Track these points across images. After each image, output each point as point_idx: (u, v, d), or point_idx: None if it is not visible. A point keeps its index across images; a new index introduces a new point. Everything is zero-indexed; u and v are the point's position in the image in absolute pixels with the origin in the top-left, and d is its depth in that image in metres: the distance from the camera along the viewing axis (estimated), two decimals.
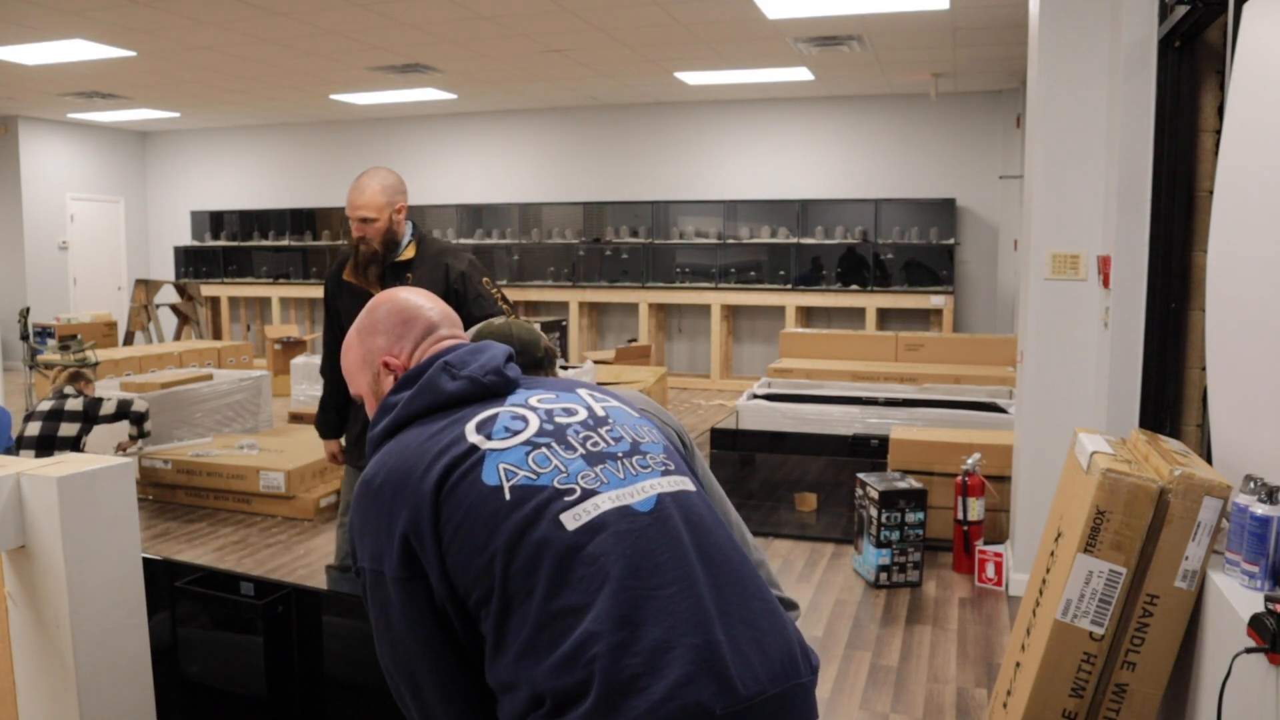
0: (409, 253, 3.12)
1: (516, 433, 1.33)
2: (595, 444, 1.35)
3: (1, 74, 8.40)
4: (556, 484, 1.27)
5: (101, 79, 8.75)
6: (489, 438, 1.32)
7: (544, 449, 1.31)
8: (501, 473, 1.27)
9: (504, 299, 3.18)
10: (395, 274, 3.08)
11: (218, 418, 6.50)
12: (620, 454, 1.35)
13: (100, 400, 5.01)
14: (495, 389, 1.40)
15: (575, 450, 1.32)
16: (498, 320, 1.95)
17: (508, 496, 1.25)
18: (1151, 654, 2.02)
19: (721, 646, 1.20)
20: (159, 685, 1.90)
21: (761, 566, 1.70)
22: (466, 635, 1.29)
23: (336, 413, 3.30)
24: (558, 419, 1.37)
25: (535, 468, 1.29)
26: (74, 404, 4.93)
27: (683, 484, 1.37)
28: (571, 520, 1.24)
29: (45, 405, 4.90)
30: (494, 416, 1.35)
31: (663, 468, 1.37)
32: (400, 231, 3.10)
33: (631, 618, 1.19)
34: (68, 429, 4.86)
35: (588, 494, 1.27)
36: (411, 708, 1.35)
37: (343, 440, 3.33)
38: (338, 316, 3.22)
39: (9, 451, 4.73)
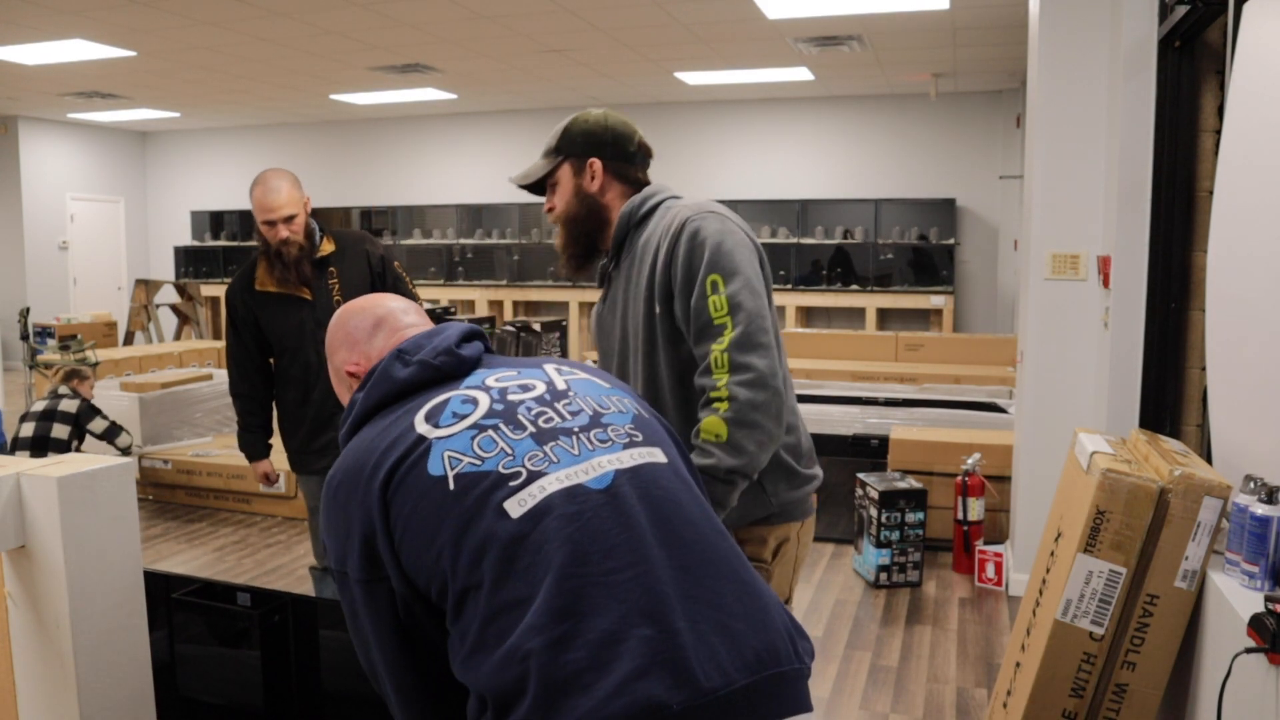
0: (328, 247, 3.04)
1: (464, 417, 1.28)
2: (548, 420, 1.28)
3: (1, 74, 8.40)
4: (501, 468, 1.21)
5: (101, 79, 8.75)
6: (436, 425, 1.27)
7: (490, 432, 1.25)
8: (446, 461, 1.22)
9: (410, 282, 3.21)
10: (320, 270, 3.01)
11: (218, 418, 6.49)
12: (576, 428, 1.28)
13: (95, 411, 4.98)
14: (448, 370, 1.36)
15: (524, 429, 1.26)
16: (595, 111, 1.96)
17: (451, 486, 1.20)
18: (1151, 654, 2.02)
19: (681, 635, 1.10)
20: (157, 701, 1.90)
21: None
22: (438, 634, 1.24)
23: (261, 431, 3.16)
24: (510, 396, 1.31)
25: (480, 453, 1.23)
26: (68, 405, 4.91)
27: (650, 455, 1.29)
28: (516, 506, 1.18)
29: (39, 406, 4.89)
30: (444, 403, 1.31)
31: (626, 439, 1.29)
32: (312, 228, 3.03)
33: (574, 608, 1.11)
34: (60, 430, 4.84)
35: (534, 476, 1.21)
36: (390, 703, 1.33)
37: (280, 455, 3.21)
38: (253, 329, 3.06)
39: (2, 450, 4.72)
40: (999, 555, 4.21)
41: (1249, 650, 1.60)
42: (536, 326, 7.76)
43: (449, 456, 1.23)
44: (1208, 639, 1.92)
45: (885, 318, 9.78)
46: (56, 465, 1.73)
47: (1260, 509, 1.75)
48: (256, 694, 2.30)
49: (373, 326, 1.49)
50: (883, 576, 4.21)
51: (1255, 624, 1.59)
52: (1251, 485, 1.80)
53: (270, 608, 2.30)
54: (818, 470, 1.92)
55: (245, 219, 12.12)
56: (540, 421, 1.28)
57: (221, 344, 8.51)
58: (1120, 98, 3.45)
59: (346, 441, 1.37)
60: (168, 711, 2.28)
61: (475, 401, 1.30)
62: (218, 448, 5.81)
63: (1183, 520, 1.95)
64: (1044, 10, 3.76)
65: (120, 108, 10.48)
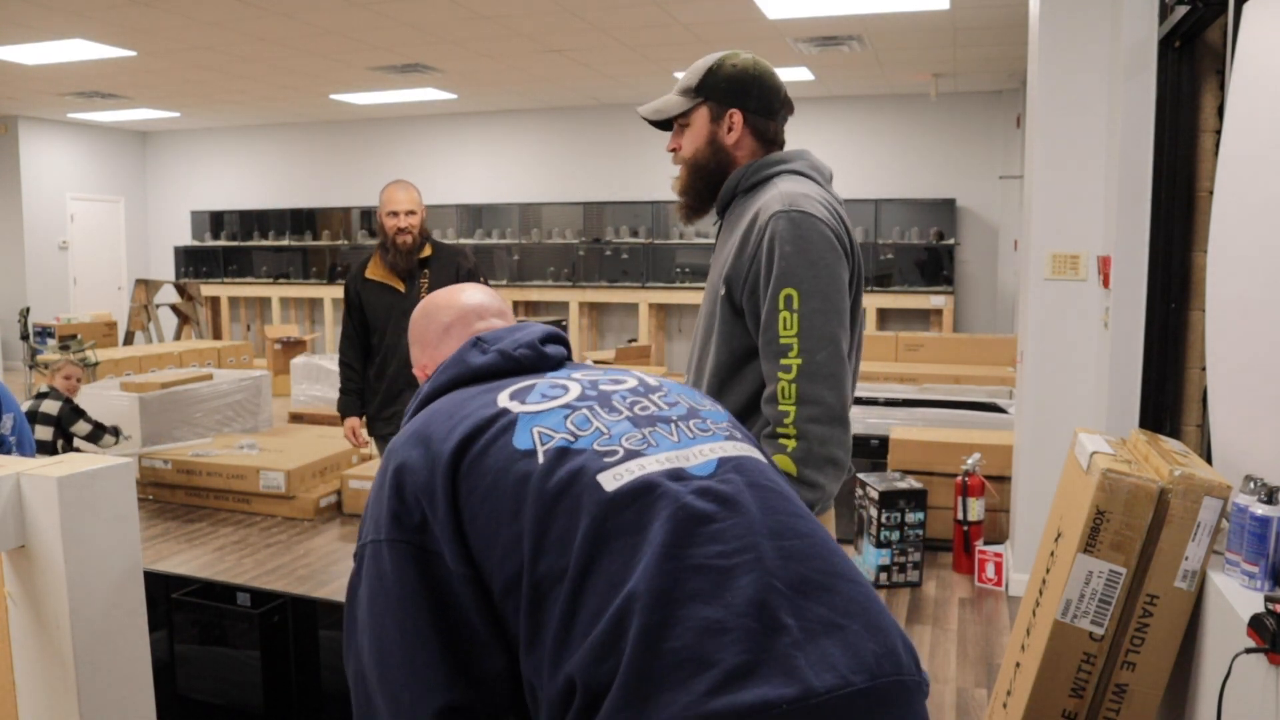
0: (428, 251, 3.61)
1: (554, 398, 1.19)
2: (644, 408, 1.19)
3: (1, 74, 8.40)
4: (596, 446, 1.11)
5: (101, 79, 8.75)
6: (523, 402, 1.18)
7: (584, 411, 1.16)
8: (536, 436, 1.12)
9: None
10: (418, 267, 3.56)
11: (218, 418, 6.50)
12: (675, 417, 1.18)
13: (78, 414, 4.95)
14: (528, 364, 1.28)
15: (620, 413, 1.17)
16: (744, 55, 1.82)
17: (540, 460, 1.09)
18: (1151, 654, 2.02)
19: (790, 630, 0.98)
20: (157, 701, 1.90)
21: None
22: (480, 620, 1.08)
23: (355, 396, 3.69)
24: (602, 386, 1.23)
25: (574, 430, 1.13)
26: (49, 406, 4.88)
27: (748, 450, 1.18)
28: (611, 480, 1.07)
29: (24, 407, 4.88)
30: (530, 386, 1.22)
31: (726, 433, 1.19)
32: (425, 230, 3.61)
33: (675, 592, 0.98)
34: (43, 432, 4.81)
35: (631, 455, 1.10)
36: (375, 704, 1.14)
37: (363, 417, 3.71)
38: (360, 311, 3.62)
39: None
40: (999, 555, 4.21)
41: (1249, 650, 1.60)
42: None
43: (539, 432, 1.12)
44: (1208, 639, 1.92)
45: (885, 318, 9.78)
46: (56, 465, 1.73)
47: (1260, 509, 1.75)
48: (256, 694, 2.30)
49: (444, 329, 1.43)
50: (883, 576, 4.21)
51: (1255, 624, 1.59)
52: (1251, 485, 1.80)
53: (270, 608, 2.30)
54: (851, 465, 1.85)
55: (245, 219, 12.13)
56: (636, 409, 1.18)
57: (221, 344, 8.54)
58: (1120, 98, 3.45)
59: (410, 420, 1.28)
60: (168, 711, 2.28)
61: (565, 387, 1.21)
62: (218, 448, 5.81)
63: (1183, 520, 1.95)
64: (1044, 10, 3.76)
65: (120, 108, 10.48)
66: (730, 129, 1.84)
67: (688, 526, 1.03)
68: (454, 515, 1.09)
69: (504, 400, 1.19)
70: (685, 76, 1.88)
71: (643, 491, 1.06)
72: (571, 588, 1.02)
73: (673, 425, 1.17)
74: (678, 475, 1.09)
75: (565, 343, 1.38)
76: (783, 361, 1.64)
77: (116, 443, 5.16)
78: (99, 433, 5.03)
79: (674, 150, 1.90)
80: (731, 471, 1.12)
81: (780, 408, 1.63)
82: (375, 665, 1.12)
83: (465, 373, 1.28)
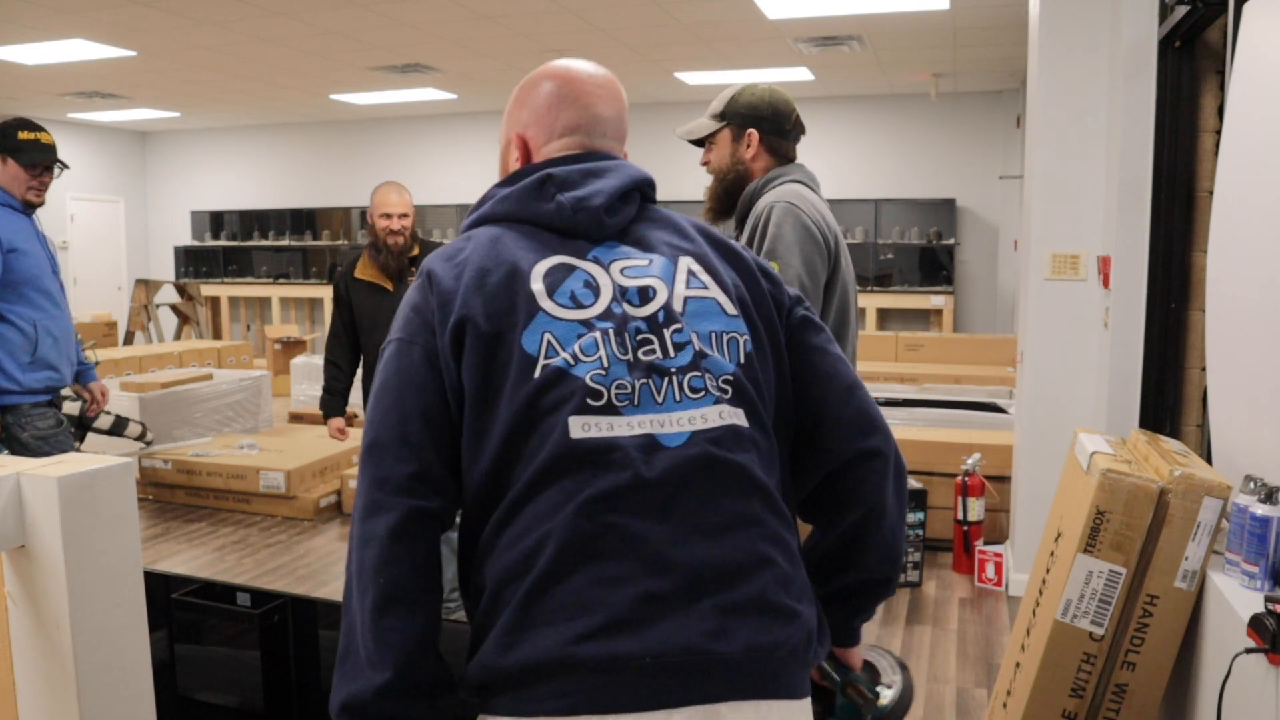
0: (415, 251, 3.63)
1: (580, 305, 1.19)
2: (649, 351, 1.19)
3: (1, 74, 8.40)
4: (589, 379, 1.15)
5: (101, 79, 8.74)
6: (550, 294, 1.19)
7: (596, 334, 1.18)
8: (544, 344, 1.16)
9: None
10: (406, 268, 3.60)
11: (218, 418, 6.50)
12: (673, 369, 1.18)
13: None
14: (583, 229, 1.25)
15: (626, 351, 1.18)
16: (761, 86, 2.25)
17: (536, 374, 1.15)
18: (1151, 654, 2.02)
19: (668, 601, 1.09)
20: (157, 701, 1.90)
21: None
22: (454, 435, 1.19)
23: (341, 397, 3.73)
24: (627, 305, 1.21)
25: (579, 353, 1.16)
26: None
27: (734, 416, 1.19)
28: (579, 429, 1.12)
29: None
30: (569, 271, 1.22)
31: (718, 392, 1.19)
32: (415, 232, 3.67)
33: (581, 549, 1.10)
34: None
35: (610, 408, 1.14)
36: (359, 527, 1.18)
37: (345, 417, 3.76)
38: (348, 310, 3.65)
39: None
40: (999, 555, 4.21)
41: (1249, 650, 1.60)
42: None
43: (548, 340, 1.17)
44: (1208, 639, 1.92)
45: (885, 318, 9.78)
46: (56, 465, 1.73)
47: (1260, 509, 1.75)
48: (256, 694, 2.30)
49: (555, 109, 1.33)
50: None
51: (1255, 624, 1.59)
52: (1251, 485, 1.80)
53: (270, 608, 2.30)
54: None
55: (245, 219, 12.13)
56: (640, 352, 1.18)
57: (221, 344, 8.53)
58: (1120, 98, 3.45)
59: (464, 233, 1.30)
60: (168, 711, 2.28)
61: (597, 291, 1.21)
62: (218, 448, 5.81)
63: (1183, 520, 1.95)
64: (1044, 10, 3.76)
65: (120, 108, 10.48)
66: (749, 146, 2.28)
67: (624, 495, 1.11)
68: (457, 351, 1.17)
69: (535, 280, 1.20)
70: (713, 104, 2.30)
71: (603, 450, 1.12)
72: (512, 500, 1.13)
73: (665, 379, 1.18)
74: (646, 444, 1.14)
75: (647, 192, 1.34)
76: None
77: (142, 435, 5.14)
78: (122, 423, 5.01)
79: (705, 163, 2.33)
80: (699, 445, 1.15)
81: None
82: (370, 434, 1.19)
83: (523, 214, 1.27)
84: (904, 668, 1.47)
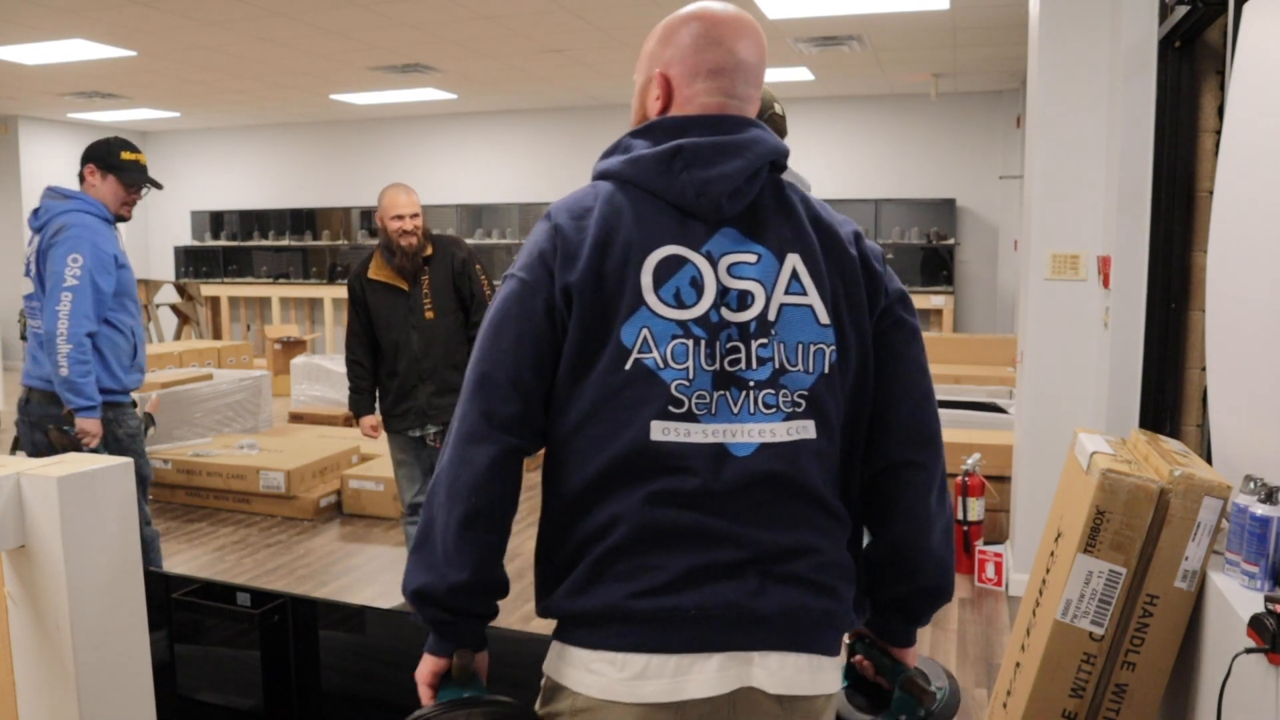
0: (428, 250, 3.66)
1: (683, 305, 1.24)
2: (734, 362, 1.24)
3: (1, 74, 8.39)
4: (673, 388, 1.22)
5: (101, 79, 8.74)
6: (655, 289, 1.24)
7: (689, 342, 1.23)
8: (640, 338, 1.23)
9: (490, 287, 3.68)
10: (421, 268, 3.64)
11: (218, 418, 6.50)
12: (752, 382, 1.25)
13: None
14: (701, 212, 1.27)
15: (714, 362, 1.24)
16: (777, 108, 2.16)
17: (628, 366, 1.23)
18: (1151, 654, 2.02)
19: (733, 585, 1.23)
20: (157, 701, 1.90)
21: None
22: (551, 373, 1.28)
23: (369, 395, 3.76)
24: (724, 310, 1.25)
25: (669, 358, 1.23)
26: None
27: (804, 431, 1.26)
28: (659, 432, 1.22)
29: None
30: (678, 265, 1.25)
31: (791, 408, 1.26)
32: (427, 231, 3.69)
33: (645, 532, 1.23)
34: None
35: (690, 416, 1.22)
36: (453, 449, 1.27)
37: (377, 413, 3.79)
38: (363, 310, 3.68)
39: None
40: (999, 555, 4.21)
41: (1249, 650, 1.60)
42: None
43: (645, 335, 1.23)
44: (1208, 639, 1.92)
45: None
46: (56, 465, 1.73)
47: (1260, 509, 1.75)
48: (256, 694, 2.30)
49: (718, 60, 1.31)
50: None
51: (1255, 624, 1.59)
52: (1251, 485, 1.80)
53: (270, 608, 2.30)
54: None
55: (245, 219, 12.12)
56: (726, 362, 1.25)
57: (221, 344, 8.54)
58: (1120, 98, 3.45)
59: (595, 179, 1.33)
60: (168, 711, 2.28)
61: (701, 291, 1.25)
62: (218, 448, 5.81)
63: (1183, 520, 1.95)
64: (1044, 10, 3.76)
65: (120, 108, 10.48)
66: None
67: (691, 496, 1.22)
68: (567, 307, 1.25)
69: (646, 273, 1.24)
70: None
71: (678, 455, 1.22)
72: (592, 480, 1.24)
73: (744, 392, 1.25)
74: (716, 453, 1.23)
75: (777, 166, 1.33)
76: None
77: (146, 429, 5.13)
78: (150, 419, 5.01)
79: None
80: (766, 457, 1.24)
81: None
82: (484, 366, 1.28)
83: (649, 185, 1.29)
84: (950, 676, 1.54)
